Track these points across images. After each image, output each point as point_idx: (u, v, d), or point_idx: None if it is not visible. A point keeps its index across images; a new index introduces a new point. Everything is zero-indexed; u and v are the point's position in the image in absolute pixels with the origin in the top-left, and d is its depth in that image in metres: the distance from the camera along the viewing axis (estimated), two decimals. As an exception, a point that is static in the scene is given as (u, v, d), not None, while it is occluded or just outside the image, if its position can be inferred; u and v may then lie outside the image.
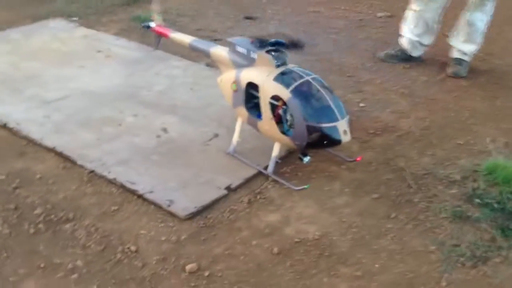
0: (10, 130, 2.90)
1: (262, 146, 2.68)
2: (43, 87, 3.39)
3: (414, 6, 3.80)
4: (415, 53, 3.95)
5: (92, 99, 3.26)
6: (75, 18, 4.65)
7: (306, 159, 2.52)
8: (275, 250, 2.17)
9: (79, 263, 2.05)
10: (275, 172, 2.60)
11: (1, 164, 2.62)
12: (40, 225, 2.24)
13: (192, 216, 2.33)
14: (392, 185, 2.58)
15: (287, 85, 2.43)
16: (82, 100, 3.25)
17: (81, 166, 2.62)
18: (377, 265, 2.11)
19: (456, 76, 3.73)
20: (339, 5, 5.27)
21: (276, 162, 2.61)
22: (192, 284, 1.99)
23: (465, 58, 3.74)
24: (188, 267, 2.05)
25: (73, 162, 2.65)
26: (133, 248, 2.14)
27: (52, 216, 2.29)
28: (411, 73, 3.80)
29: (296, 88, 2.42)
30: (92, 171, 2.58)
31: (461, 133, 3.04)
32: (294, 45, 2.61)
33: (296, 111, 2.40)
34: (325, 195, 2.51)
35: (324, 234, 2.27)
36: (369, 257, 2.14)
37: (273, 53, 2.55)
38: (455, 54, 3.79)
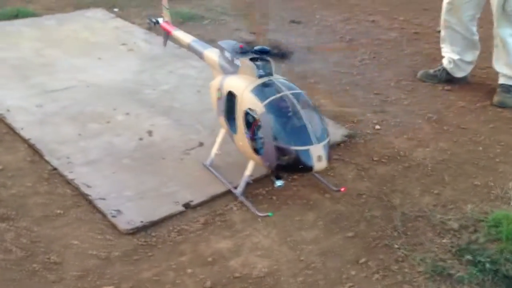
0: (-3, 116, 2.84)
1: (244, 162, 2.39)
2: (51, 76, 3.33)
3: (444, 21, 3.40)
4: (459, 74, 3.50)
5: (93, 93, 3.15)
6: (116, 9, 4.60)
7: (278, 183, 2.23)
8: (208, 283, 1.91)
9: (-7, 268, 1.90)
10: (247, 192, 2.33)
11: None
12: (-25, 220, 2.12)
13: (136, 231, 2.12)
14: (374, 224, 2.23)
15: (262, 99, 2.16)
16: (82, 93, 3.15)
17: (47, 162, 2.49)
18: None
19: (502, 106, 3.23)
20: (398, 15, 4.87)
21: (248, 183, 2.33)
22: (94, 309, 1.78)
23: None
24: (103, 290, 1.84)
25: (41, 157, 2.53)
26: (56, 259, 1.96)
27: (-8, 212, 2.16)
28: (448, 96, 3.37)
29: (270, 102, 2.15)
30: (54, 169, 2.44)
31: (483, 172, 2.61)
32: (280, 55, 2.33)
33: (266, 129, 2.13)
34: (294, 226, 2.21)
35: (273, 271, 1.97)
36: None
37: (258, 62, 2.28)
38: (501, 80, 3.31)
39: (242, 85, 2.25)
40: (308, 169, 2.12)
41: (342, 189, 2.39)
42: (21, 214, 2.18)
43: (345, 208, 2.32)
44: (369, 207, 2.33)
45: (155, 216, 2.18)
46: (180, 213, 2.24)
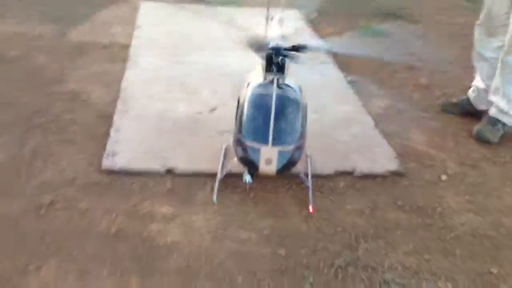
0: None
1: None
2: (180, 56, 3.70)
3: (474, 46, 2.97)
4: (481, 106, 3.02)
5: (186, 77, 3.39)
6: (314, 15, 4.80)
7: (245, 178, 2.20)
8: (113, 230, 2.05)
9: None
10: (235, 182, 2.34)
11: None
12: None
13: (110, 172, 2.36)
14: (316, 255, 2.02)
15: (248, 92, 2.17)
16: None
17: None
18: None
19: (479, 137, 2.84)
20: None
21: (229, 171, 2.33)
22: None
23: (503, 118, 2.84)
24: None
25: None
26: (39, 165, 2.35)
27: None
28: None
29: (251, 96, 2.14)
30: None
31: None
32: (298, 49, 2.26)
33: (237, 119, 2.14)
34: (239, 223, 2.15)
35: (175, 248, 2.00)
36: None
37: (273, 57, 2.27)
38: (491, 111, 2.89)
39: (248, 79, 2.27)
40: (255, 168, 2.05)
41: (310, 209, 2.19)
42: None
43: (305, 230, 2.13)
44: (330, 239, 2.09)
45: (134, 168, 2.37)
46: (159, 174, 2.37)
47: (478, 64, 3.01)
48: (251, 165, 2.03)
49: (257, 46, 2.23)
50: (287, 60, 2.26)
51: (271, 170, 1.99)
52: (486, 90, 2.97)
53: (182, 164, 2.42)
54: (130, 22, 4.15)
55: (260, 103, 2.07)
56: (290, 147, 2.01)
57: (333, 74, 3.54)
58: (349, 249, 2.03)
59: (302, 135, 2.08)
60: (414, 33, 4.53)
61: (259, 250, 2.00)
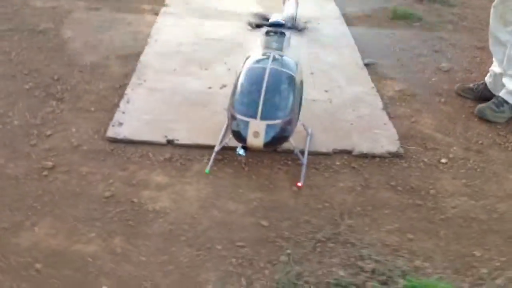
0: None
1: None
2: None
3: (491, 29, 2.93)
4: (497, 91, 2.94)
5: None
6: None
7: (238, 151, 2.25)
8: (107, 194, 2.16)
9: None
10: (231, 155, 2.41)
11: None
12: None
13: (113, 141, 2.47)
14: (299, 227, 2.07)
15: (244, 66, 2.23)
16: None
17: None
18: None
19: (480, 115, 2.86)
20: None
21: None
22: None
23: (510, 100, 2.81)
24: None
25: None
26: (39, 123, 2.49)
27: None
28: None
29: (245, 70, 2.20)
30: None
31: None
32: (295, 28, 2.29)
33: (232, 92, 2.20)
34: (228, 195, 2.22)
35: (163, 213, 2.09)
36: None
37: (270, 35, 2.32)
38: (501, 92, 2.87)
39: (248, 55, 2.32)
40: (242, 140, 2.11)
41: (298, 184, 2.24)
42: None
43: (292, 204, 2.19)
44: (315, 214, 2.14)
45: (136, 138, 2.48)
46: (160, 144, 2.47)
47: (494, 48, 2.95)
48: (240, 137, 2.09)
49: (256, 22, 2.26)
50: (286, 36, 2.28)
51: (259, 143, 2.05)
52: (502, 75, 2.91)
53: (183, 136, 2.50)
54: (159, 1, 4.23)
55: (253, 77, 2.12)
56: (278, 121, 2.05)
57: (352, 55, 3.52)
58: (332, 225, 2.07)
59: (293, 111, 2.12)
60: (448, 17, 4.42)
61: (243, 220, 2.06)
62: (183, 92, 2.89)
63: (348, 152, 2.52)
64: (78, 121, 2.59)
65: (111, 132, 2.48)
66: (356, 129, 2.69)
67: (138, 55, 3.28)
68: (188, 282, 1.78)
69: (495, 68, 2.99)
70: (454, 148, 2.63)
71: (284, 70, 2.15)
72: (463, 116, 2.93)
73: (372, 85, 3.14)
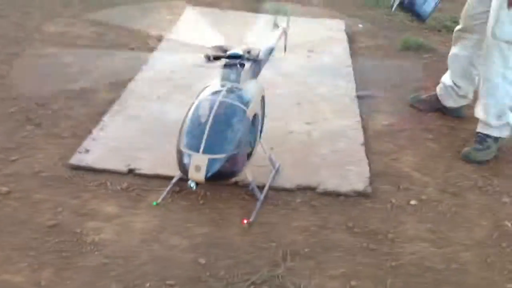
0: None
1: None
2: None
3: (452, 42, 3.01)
4: (448, 102, 3.05)
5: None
6: (360, 25, 4.69)
7: (190, 184, 2.20)
8: (51, 222, 2.16)
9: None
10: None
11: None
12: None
13: (75, 168, 2.49)
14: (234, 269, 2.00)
15: (198, 97, 2.21)
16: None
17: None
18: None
19: (466, 159, 2.70)
20: None
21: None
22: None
23: (492, 132, 2.68)
24: None
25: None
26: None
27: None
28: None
29: (196, 102, 2.17)
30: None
31: None
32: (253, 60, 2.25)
33: (181, 125, 2.18)
34: (173, 229, 2.19)
35: (102, 244, 2.08)
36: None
37: (227, 68, 2.28)
38: (478, 127, 2.76)
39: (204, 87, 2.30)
40: (185, 173, 2.07)
41: (244, 221, 2.17)
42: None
43: (238, 242, 2.12)
44: (258, 254, 2.07)
45: (98, 166, 2.48)
46: (120, 173, 2.46)
47: (450, 60, 3.02)
48: (183, 170, 2.05)
49: (214, 55, 2.23)
50: (244, 68, 2.24)
51: (200, 177, 2.00)
52: (453, 88, 3.01)
53: (146, 165, 2.48)
54: (166, 27, 4.28)
55: (201, 110, 2.09)
56: (221, 156, 2.00)
57: (347, 86, 3.44)
58: (272, 266, 1.99)
59: (240, 146, 2.06)
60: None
61: (182, 256, 2.02)
62: (161, 120, 2.88)
63: (312, 189, 2.43)
64: (47, 146, 2.62)
65: (75, 159, 2.50)
66: (328, 165, 2.61)
67: (129, 80, 3.30)
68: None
69: (446, 80, 3.03)
70: (430, 189, 2.50)
71: (235, 103, 2.10)
72: (449, 155, 2.79)
73: (359, 118, 3.04)
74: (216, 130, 2.03)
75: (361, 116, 3.08)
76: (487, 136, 2.70)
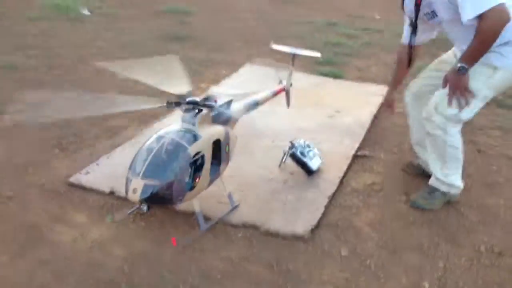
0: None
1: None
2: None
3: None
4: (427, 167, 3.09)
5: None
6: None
7: (142, 207, 2.59)
8: (30, 222, 2.69)
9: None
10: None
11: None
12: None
13: (71, 185, 3.02)
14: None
15: (155, 134, 2.62)
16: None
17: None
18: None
19: (413, 205, 2.93)
20: None
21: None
22: None
23: (440, 187, 2.90)
24: None
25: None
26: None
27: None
28: None
29: (150, 137, 2.59)
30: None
31: None
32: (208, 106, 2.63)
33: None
34: (116, 244, 2.60)
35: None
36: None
37: (187, 111, 2.68)
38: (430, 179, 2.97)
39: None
40: (126, 193, 2.47)
41: (174, 241, 2.51)
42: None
43: (161, 258, 2.47)
44: (176, 272, 2.40)
45: (88, 185, 2.99)
46: (103, 193, 2.94)
47: (410, 123, 3.21)
48: (125, 191, 2.45)
49: (175, 101, 2.63)
50: (201, 114, 2.62)
51: (135, 198, 2.39)
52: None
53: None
54: (218, 81, 4.80)
55: (151, 143, 2.49)
56: (156, 183, 2.37)
57: (350, 145, 3.64)
58: (182, 283, 2.28)
59: (176, 176, 2.40)
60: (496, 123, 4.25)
61: (113, 264, 2.41)
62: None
63: (256, 228, 2.70)
64: (61, 166, 3.18)
65: (74, 178, 3.03)
66: (284, 210, 2.86)
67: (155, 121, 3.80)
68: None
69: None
70: (370, 244, 2.64)
71: (178, 141, 2.48)
72: (411, 218, 2.89)
73: (341, 174, 3.24)
74: (156, 160, 2.41)
75: (345, 173, 3.26)
76: (436, 189, 2.89)
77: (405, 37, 2.97)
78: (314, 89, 4.77)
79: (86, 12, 7.14)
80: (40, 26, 6.23)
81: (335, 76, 5.17)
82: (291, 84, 3.59)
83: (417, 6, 2.70)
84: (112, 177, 3.02)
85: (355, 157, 3.51)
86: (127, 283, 2.28)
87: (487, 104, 4.37)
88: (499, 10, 2.36)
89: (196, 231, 2.62)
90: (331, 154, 3.50)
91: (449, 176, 2.87)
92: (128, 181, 2.42)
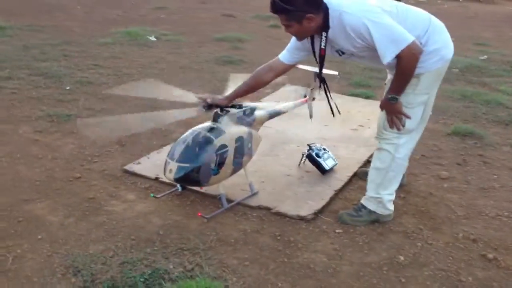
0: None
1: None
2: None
3: None
4: None
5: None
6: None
7: (178, 187, 3.27)
8: (90, 196, 3.42)
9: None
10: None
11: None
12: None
13: (124, 171, 3.76)
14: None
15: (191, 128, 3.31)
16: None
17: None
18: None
19: (339, 220, 3.17)
20: None
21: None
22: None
23: (368, 204, 3.15)
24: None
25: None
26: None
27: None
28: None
29: (188, 131, 3.27)
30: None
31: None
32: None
33: (175, 141, 3.28)
34: (146, 208, 3.28)
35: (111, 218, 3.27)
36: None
37: (217, 113, 3.35)
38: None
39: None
40: (164, 174, 3.16)
41: (199, 214, 3.15)
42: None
43: (192, 226, 3.12)
44: (200, 237, 3.04)
45: (138, 172, 3.70)
46: (150, 179, 3.65)
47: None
48: (164, 172, 3.13)
49: (209, 105, 3.30)
50: (228, 114, 3.28)
51: (171, 177, 3.06)
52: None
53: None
54: (260, 97, 5.46)
55: (186, 136, 3.17)
56: (186, 165, 3.03)
57: (363, 152, 4.19)
58: (203, 243, 2.92)
59: (203, 162, 3.05)
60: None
61: (150, 228, 3.06)
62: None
63: (268, 209, 3.30)
64: (119, 157, 3.92)
65: (128, 166, 3.74)
66: (295, 198, 3.43)
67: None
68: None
69: None
70: (363, 227, 3.17)
71: (207, 134, 3.14)
72: (404, 209, 3.39)
73: (351, 174, 3.79)
74: (188, 149, 3.08)
75: (355, 173, 3.82)
76: (364, 207, 3.17)
77: (285, 56, 3.11)
78: (345, 107, 5.33)
79: (153, 38, 8.04)
80: (112, 50, 7.15)
81: (367, 96, 5.72)
82: (313, 98, 4.17)
83: (322, 57, 2.91)
84: (158, 167, 3.69)
85: (367, 162, 4.03)
86: (160, 241, 2.92)
87: (506, 125, 4.88)
88: (411, 48, 2.62)
89: (219, 209, 3.24)
90: (346, 159, 4.05)
91: (382, 196, 3.10)
92: (166, 164, 3.10)
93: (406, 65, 2.70)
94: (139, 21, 9.09)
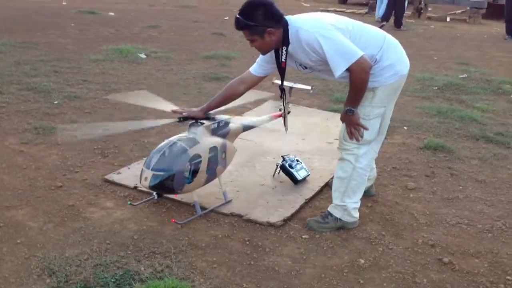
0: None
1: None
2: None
3: None
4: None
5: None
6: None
7: (154, 195, 3.45)
8: (69, 204, 3.59)
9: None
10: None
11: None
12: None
13: (106, 181, 3.93)
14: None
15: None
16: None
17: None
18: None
19: (308, 228, 3.30)
20: None
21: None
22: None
23: (333, 212, 3.29)
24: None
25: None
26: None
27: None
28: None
29: (165, 141, 3.45)
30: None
31: None
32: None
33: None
34: (128, 213, 3.45)
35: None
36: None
37: (191, 125, 3.53)
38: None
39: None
40: (139, 181, 3.33)
41: (172, 220, 3.32)
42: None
43: (165, 232, 3.29)
44: (172, 241, 3.20)
45: (117, 182, 3.87)
46: (128, 187, 3.82)
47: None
48: (139, 179, 3.30)
49: (184, 117, 3.49)
50: (201, 126, 3.46)
51: (146, 185, 3.23)
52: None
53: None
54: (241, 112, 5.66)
55: (161, 145, 3.34)
56: (161, 173, 3.20)
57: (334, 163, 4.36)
58: (174, 248, 3.08)
59: (176, 170, 3.22)
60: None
61: (125, 233, 3.22)
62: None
63: (240, 216, 3.46)
64: (100, 168, 4.08)
65: (108, 176, 3.91)
66: (266, 206, 3.60)
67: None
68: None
69: None
70: (328, 234, 3.34)
71: (182, 144, 3.32)
72: (370, 217, 3.57)
73: (322, 184, 3.97)
74: (163, 157, 3.26)
75: (326, 183, 3.99)
76: (330, 214, 3.30)
77: (255, 69, 3.28)
78: (324, 122, 5.54)
79: (142, 55, 8.25)
80: (102, 67, 7.35)
81: (346, 112, 5.90)
82: (289, 112, 4.36)
83: (282, 69, 3.07)
84: (137, 177, 3.84)
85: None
86: (134, 246, 3.08)
87: (476, 139, 5.08)
88: (360, 62, 2.81)
89: (193, 216, 3.41)
90: (319, 170, 4.23)
91: (347, 204, 3.24)
92: (142, 172, 3.27)
93: (357, 78, 2.91)
94: (130, 39, 9.28)
